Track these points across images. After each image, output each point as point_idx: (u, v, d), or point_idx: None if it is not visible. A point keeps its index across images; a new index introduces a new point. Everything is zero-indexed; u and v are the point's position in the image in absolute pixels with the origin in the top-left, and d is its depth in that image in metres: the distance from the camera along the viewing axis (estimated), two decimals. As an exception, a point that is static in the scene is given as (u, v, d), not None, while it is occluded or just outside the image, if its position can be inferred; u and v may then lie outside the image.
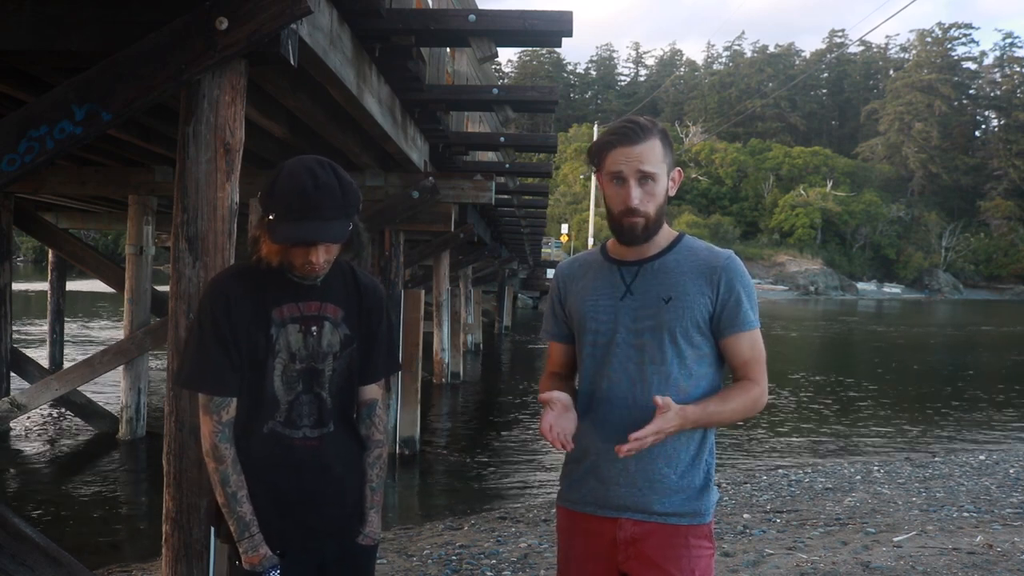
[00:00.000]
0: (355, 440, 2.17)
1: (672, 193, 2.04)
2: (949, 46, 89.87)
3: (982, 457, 9.35)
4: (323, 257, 1.98)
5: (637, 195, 1.95)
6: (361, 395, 2.17)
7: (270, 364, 2.02)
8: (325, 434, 2.08)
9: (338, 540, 2.12)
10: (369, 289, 2.16)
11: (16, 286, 11.33)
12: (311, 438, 2.06)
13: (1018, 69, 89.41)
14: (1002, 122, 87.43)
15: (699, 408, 1.91)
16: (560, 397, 1.94)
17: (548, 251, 44.68)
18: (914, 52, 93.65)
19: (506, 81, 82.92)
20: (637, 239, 2.00)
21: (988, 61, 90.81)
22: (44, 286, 14.67)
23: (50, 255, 12.87)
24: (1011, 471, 8.33)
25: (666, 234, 2.05)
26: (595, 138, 2.13)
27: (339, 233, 1.95)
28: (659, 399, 1.84)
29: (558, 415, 1.92)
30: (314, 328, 2.06)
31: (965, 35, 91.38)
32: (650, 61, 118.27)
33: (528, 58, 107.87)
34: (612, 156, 1.96)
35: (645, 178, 1.95)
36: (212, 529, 2.74)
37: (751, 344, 2.01)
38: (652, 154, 1.95)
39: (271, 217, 1.94)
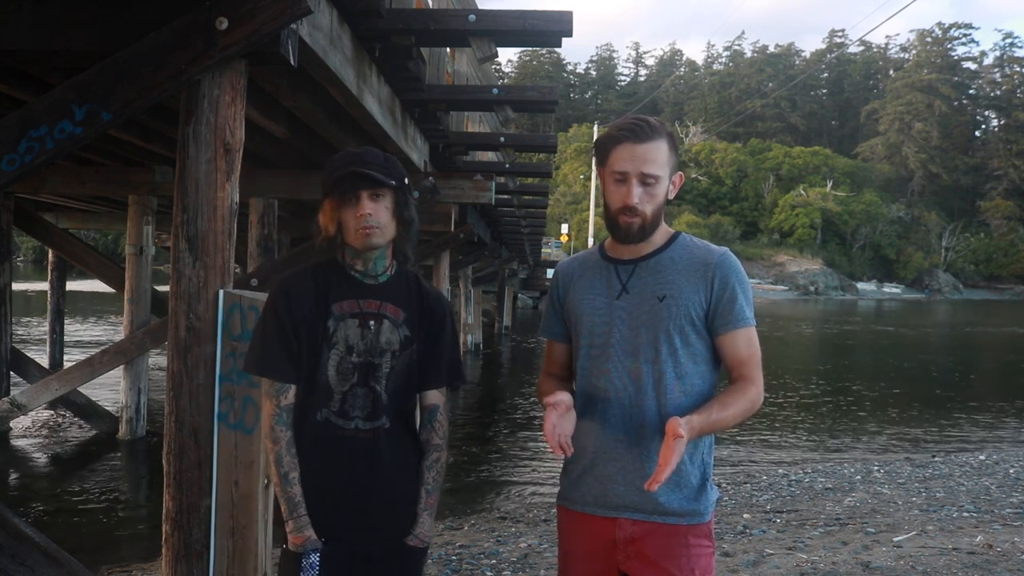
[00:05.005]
0: (411, 440, 2.22)
1: (672, 196, 2.04)
2: (949, 46, 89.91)
3: (982, 457, 9.34)
4: (369, 208, 2.08)
5: (638, 194, 1.95)
6: (423, 400, 2.25)
7: (326, 354, 2.12)
8: (379, 428, 2.14)
9: (386, 536, 2.16)
10: (431, 296, 2.26)
11: (16, 286, 11.32)
12: (363, 430, 2.13)
13: (1018, 69, 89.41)
14: (1002, 122, 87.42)
15: (703, 418, 1.87)
16: (564, 399, 1.93)
17: (548, 251, 44.62)
18: (914, 52, 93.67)
19: (506, 81, 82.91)
20: (632, 238, 2.00)
21: (988, 61, 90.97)
22: (44, 286, 14.65)
23: (50, 255, 12.85)
24: (1011, 471, 8.32)
25: (663, 232, 2.05)
26: (596, 137, 2.14)
27: (381, 179, 2.08)
28: (679, 428, 1.76)
29: (560, 415, 1.91)
30: (372, 323, 2.14)
31: (965, 35, 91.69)
32: (650, 61, 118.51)
33: (528, 58, 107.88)
34: (618, 152, 1.96)
35: (648, 179, 1.95)
36: (212, 525, 2.75)
37: (747, 342, 1.99)
38: (658, 155, 1.95)
39: (325, 192, 2.13)
